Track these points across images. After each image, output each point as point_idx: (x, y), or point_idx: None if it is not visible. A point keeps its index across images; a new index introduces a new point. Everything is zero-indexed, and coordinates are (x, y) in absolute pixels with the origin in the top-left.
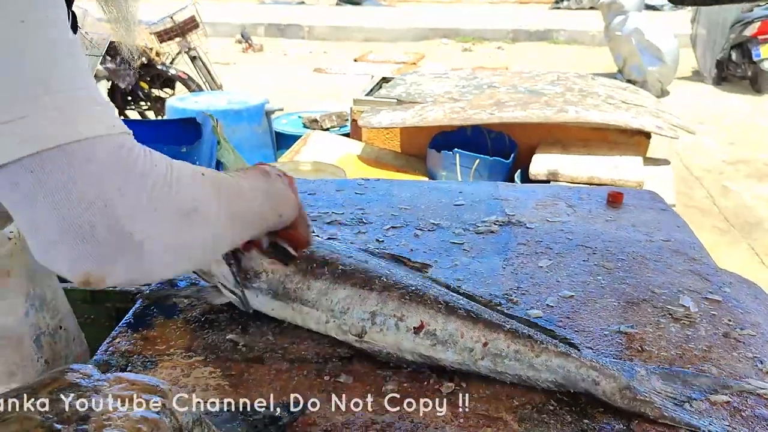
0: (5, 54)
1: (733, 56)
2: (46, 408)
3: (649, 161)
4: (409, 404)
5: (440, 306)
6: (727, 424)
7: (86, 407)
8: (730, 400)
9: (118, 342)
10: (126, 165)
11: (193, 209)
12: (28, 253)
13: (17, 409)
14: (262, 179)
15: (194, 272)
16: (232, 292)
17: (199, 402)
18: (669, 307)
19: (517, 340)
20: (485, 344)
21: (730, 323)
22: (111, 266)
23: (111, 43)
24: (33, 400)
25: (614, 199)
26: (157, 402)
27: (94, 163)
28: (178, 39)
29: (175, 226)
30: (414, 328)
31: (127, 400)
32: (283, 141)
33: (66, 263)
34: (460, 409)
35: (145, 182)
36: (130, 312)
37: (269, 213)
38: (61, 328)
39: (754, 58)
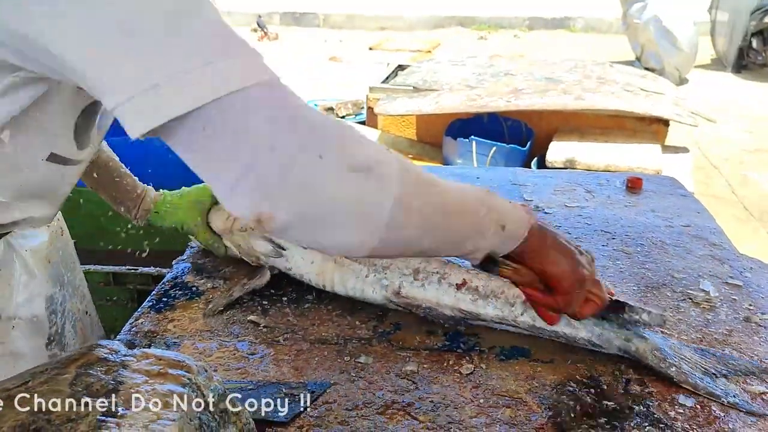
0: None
1: (754, 44)
2: (75, 381)
3: (668, 149)
4: (429, 384)
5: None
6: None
7: (114, 381)
8: (766, 390)
9: (141, 322)
10: (292, 109)
11: (371, 164)
12: (60, 241)
13: (47, 383)
14: (477, 188)
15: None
16: (276, 250)
17: (222, 380)
18: (689, 291)
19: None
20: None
21: (751, 308)
22: (279, 206)
23: None
24: (63, 374)
25: (633, 185)
26: (182, 376)
27: (260, 109)
28: None
29: (348, 175)
30: (456, 284)
31: (154, 374)
32: None
33: (242, 206)
34: (480, 390)
35: (315, 126)
36: (152, 293)
37: (488, 222)
38: (87, 313)
39: None
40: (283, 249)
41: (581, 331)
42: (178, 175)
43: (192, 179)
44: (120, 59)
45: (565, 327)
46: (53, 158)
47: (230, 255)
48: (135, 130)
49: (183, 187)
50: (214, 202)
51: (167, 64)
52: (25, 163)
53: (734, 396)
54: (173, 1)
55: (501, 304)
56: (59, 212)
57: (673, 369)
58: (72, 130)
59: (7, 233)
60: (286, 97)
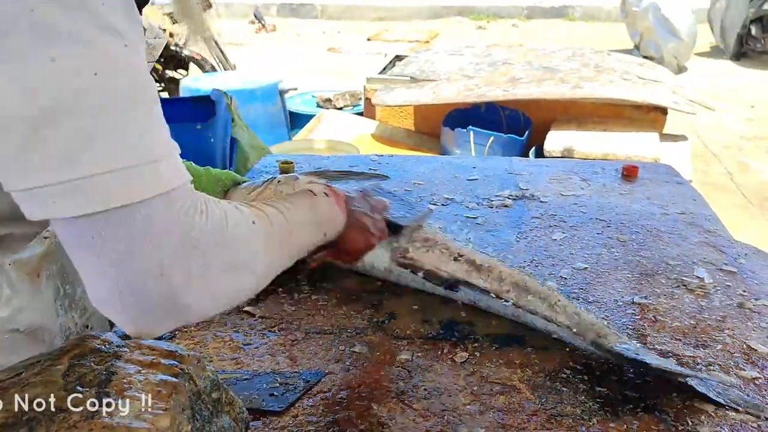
0: (81, 109)
1: (753, 31)
2: (69, 372)
3: (666, 137)
4: (423, 373)
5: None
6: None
7: (107, 372)
8: (759, 375)
9: None
10: (183, 228)
11: (243, 264)
12: (60, 252)
13: (41, 374)
14: (308, 206)
15: None
16: None
17: (215, 369)
18: (683, 278)
19: (543, 284)
20: (516, 283)
21: (745, 294)
22: (160, 324)
23: None
24: (56, 365)
25: (629, 173)
26: (175, 366)
27: (153, 228)
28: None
29: (224, 283)
30: (457, 253)
31: (146, 364)
32: (297, 120)
33: (120, 317)
34: (474, 378)
35: (199, 247)
36: None
37: (315, 238)
38: (87, 326)
39: None
40: None
41: (560, 315)
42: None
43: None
44: (28, 144)
45: (547, 309)
46: None
47: None
48: (31, 216)
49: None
50: (236, 184)
51: (71, 163)
52: None
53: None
54: (105, 91)
55: (492, 279)
56: None
57: (648, 358)
58: None
59: None
60: (181, 212)
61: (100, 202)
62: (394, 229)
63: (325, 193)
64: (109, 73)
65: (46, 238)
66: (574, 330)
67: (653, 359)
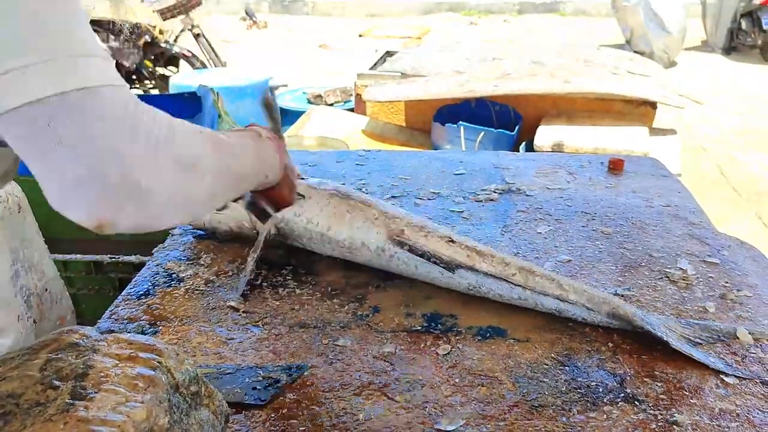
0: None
1: (743, 25)
2: (46, 366)
3: (656, 132)
4: (406, 365)
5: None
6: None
7: (84, 365)
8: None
9: (121, 309)
10: (135, 117)
11: (192, 163)
12: (17, 217)
13: (18, 368)
14: (252, 140)
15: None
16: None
17: (195, 363)
18: (666, 270)
19: (546, 269)
20: (521, 267)
21: (727, 285)
22: (121, 211)
23: (113, 21)
24: (33, 359)
25: (615, 166)
26: (153, 360)
27: (107, 113)
28: (181, 16)
29: (177, 177)
30: (454, 239)
31: (124, 358)
32: (288, 117)
33: (81, 209)
34: (456, 370)
35: (150, 135)
36: (133, 281)
37: (257, 173)
38: (47, 290)
39: (764, 27)
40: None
41: (571, 294)
42: None
43: None
44: None
45: (555, 288)
46: None
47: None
48: None
49: None
50: None
51: (19, 51)
52: None
53: (714, 360)
54: None
55: (496, 262)
56: (18, 189)
57: (659, 332)
58: None
59: None
60: (130, 102)
61: (58, 84)
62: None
63: (269, 138)
64: None
65: (1, 203)
66: (588, 306)
67: (672, 337)
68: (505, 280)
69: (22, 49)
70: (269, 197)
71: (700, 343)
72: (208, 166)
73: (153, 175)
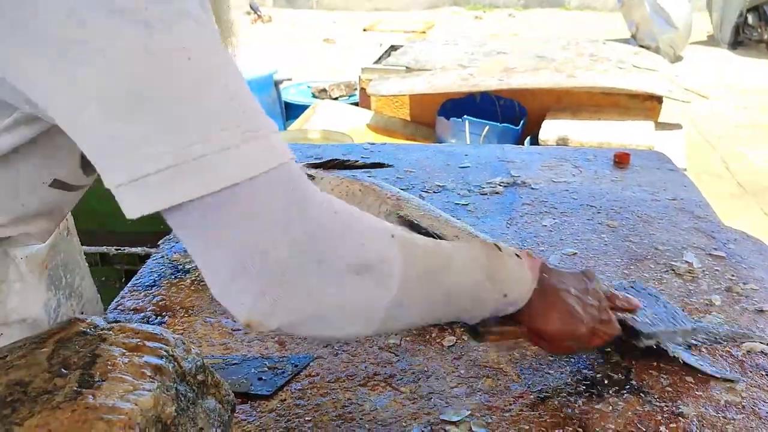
0: (190, 90)
1: (749, 19)
2: (53, 355)
3: (661, 126)
4: (411, 357)
5: None
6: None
7: (92, 354)
8: (744, 359)
9: (127, 300)
10: (300, 205)
11: (372, 265)
12: (64, 243)
13: (25, 357)
14: (483, 250)
15: None
16: None
17: (201, 353)
18: (672, 263)
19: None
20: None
21: (733, 278)
22: (272, 318)
23: None
24: (41, 348)
25: (621, 160)
26: (160, 349)
27: (264, 209)
28: None
29: (347, 281)
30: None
31: (131, 347)
32: (292, 111)
33: (235, 310)
34: (462, 361)
35: (318, 230)
36: (139, 272)
37: (489, 293)
38: (82, 313)
39: None
40: None
41: None
42: None
43: None
44: (125, 132)
45: None
46: (56, 184)
47: None
48: (133, 213)
49: None
50: None
51: (178, 144)
52: (25, 189)
53: (709, 365)
54: (194, 66)
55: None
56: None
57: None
58: (79, 157)
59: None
60: (297, 187)
61: (209, 183)
62: (632, 334)
63: (516, 255)
64: (203, 53)
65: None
66: None
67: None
68: None
69: (177, 138)
70: (531, 329)
71: (701, 344)
72: (390, 271)
73: (313, 279)
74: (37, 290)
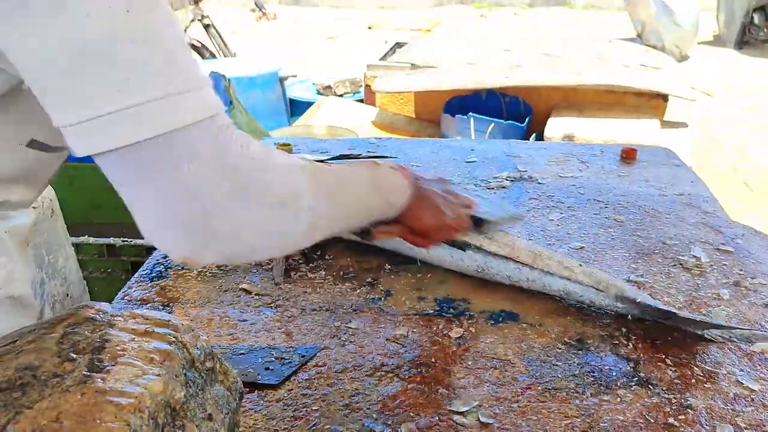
0: (135, 42)
1: (755, 19)
2: (62, 340)
3: (667, 124)
4: (418, 348)
5: None
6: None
7: (101, 339)
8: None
9: (134, 291)
10: (223, 152)
11: (287, 200)
12: (47, 222)
13: (35, 341)
14: (367, 169)
15: None
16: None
17: (209, 343)
18: (680, 257)
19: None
20: (529, 249)
21: (741, 273)
22: (205, 250)
23: None
24: (50, 333)
25: (628, 155)
26: (169, 335)
27: (195, 150)
28: (191, 6)
29: (269, 215)
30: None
31: (140, 333)
32: (297, 108)
33: (167, 246)
34: (469, 353)
35: (239, 172)
36: (146, 263)
37: (376, 201)
38: (68, 296)
39: None
40: None
41: (579, 276)
42: None
43: None
44: (76, 80)
45: (564, 270)
46: (34, 144)
47: None
48: (78, 150)
49: None
50: None
51: (119, 94)
52: (1, 149)
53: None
54: (140, 26)
55: (504, 245)
56: (53, 193)
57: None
58: None
59: None
60: (221, 137)
61: (151, 128)
62: (477, 223)
63: (390, 166)
64: (143, 7)
65: (34, 208)
66: (597, 288)
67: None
68: (512, 260)
69: (121, 88)
70: (407, 227)
71: (712, 340)
72: (304, 205)
73: (239, 216)
74: (24, 266)
